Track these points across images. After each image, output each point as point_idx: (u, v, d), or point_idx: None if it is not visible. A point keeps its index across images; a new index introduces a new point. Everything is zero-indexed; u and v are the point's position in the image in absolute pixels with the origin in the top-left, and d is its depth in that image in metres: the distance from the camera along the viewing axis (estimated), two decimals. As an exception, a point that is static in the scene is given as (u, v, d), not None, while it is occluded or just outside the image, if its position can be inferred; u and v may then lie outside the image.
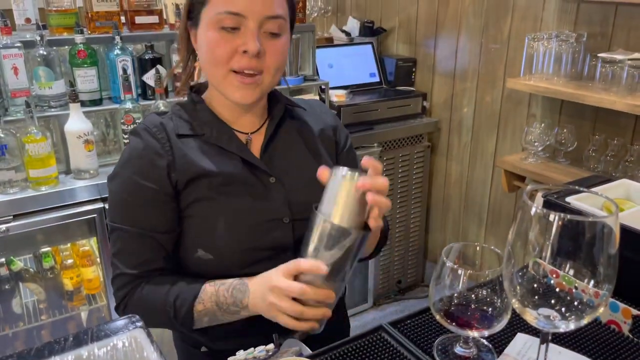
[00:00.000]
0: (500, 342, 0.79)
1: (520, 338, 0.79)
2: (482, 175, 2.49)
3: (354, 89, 2.57)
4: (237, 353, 0.86)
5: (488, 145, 2.43)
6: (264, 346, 0.86)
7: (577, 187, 0.73)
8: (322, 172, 0.81)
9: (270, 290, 0.83)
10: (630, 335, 0.80)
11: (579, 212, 0.88)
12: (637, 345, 0.79)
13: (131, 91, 1.79)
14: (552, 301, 0.60)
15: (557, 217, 0.55)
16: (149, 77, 1.90)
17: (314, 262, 0.79)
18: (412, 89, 2.67)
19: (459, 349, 0.76)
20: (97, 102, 1.84)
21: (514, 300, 0.60)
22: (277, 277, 0.82)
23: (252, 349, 0.87)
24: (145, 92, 1.94)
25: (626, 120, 1.86)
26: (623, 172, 1.80)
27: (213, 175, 0.95)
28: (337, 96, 2.40)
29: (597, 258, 0.56)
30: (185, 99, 1.04)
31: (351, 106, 2.36)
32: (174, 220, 0.95)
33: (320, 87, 2.33)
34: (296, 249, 0.90)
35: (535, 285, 0.60)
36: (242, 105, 0.98)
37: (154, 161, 0.94)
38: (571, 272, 0.60)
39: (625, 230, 0.86)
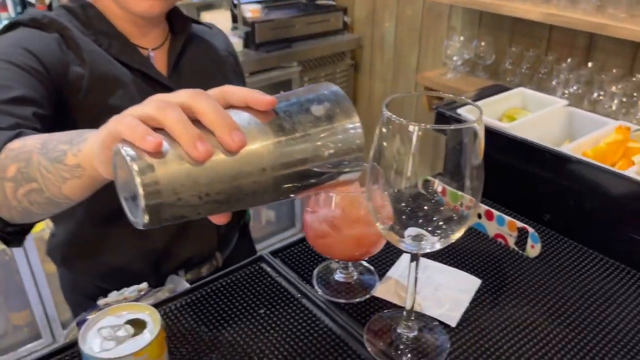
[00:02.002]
0: (384, 264, 0.75)
1: (405, 258, 0.76)
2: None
3: (269, 4, 2.38)
4: (108, 295, 0.79)
5: (410, 61, 2.35)
6: (136, 286, 0.79)
7: (440, 93, 0.68)
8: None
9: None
10: (516, 248, 0.79)
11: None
12: (522, 257, 0.78)
13: (7, 8, 1.57)
14: (420, 221, 0.55)
15: (416, 128, 0.48)
16: (26, -8, 1.67)
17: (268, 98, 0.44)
18: (332, 2, 2.51)
19: (338, 275, 0.71)
20: (-35, 22, 1.60)
21: (377, 223, 0.54)
22: None
23: (124, 288, 0.80)
24: (25, 8, 1.70)
25: (541, 30, 1.82)
26: (537, 85, 1.79)
27: (126, 85, 0.81)
28: (252, 11, 2.22)
29: (463, 169, 0.50)
30: (70, 4, 0.86)
31: (267, 22, 2.20)
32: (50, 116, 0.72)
33: (232, 1, 2.15)
34: None
35: (403, 205, 0.54)
36: (145, 19, 0.85)
37: (50, 44, 0.76)
38: (439, 188, 0.56)
39: (515, 140, 0.83)
